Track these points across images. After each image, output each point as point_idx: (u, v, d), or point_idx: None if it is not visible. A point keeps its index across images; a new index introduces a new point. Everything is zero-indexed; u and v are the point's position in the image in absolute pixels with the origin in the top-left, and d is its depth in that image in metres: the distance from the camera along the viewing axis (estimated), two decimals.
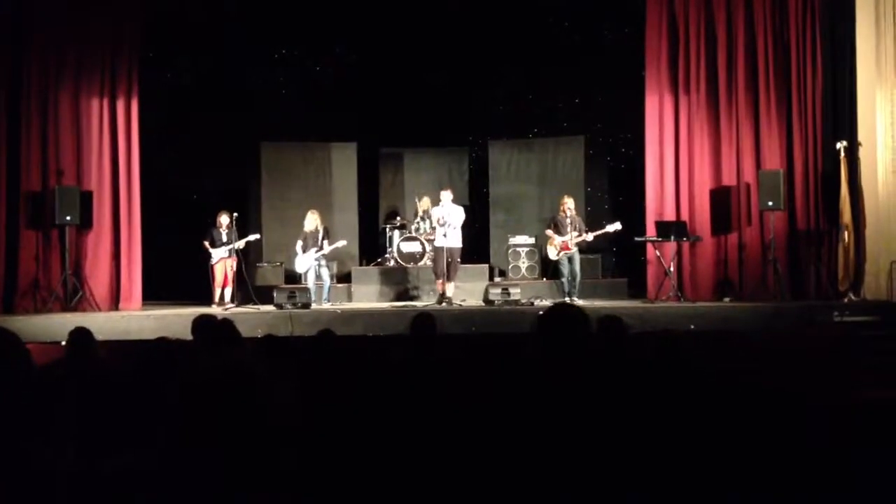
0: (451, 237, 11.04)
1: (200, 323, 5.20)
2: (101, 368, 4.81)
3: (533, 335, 2.74)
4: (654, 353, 4.50)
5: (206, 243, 11.51)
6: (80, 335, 5.11)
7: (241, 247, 11.59)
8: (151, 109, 12.02)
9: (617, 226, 11.27)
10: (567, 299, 10.86)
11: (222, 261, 11.47)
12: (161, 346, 4.07)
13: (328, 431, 3.33)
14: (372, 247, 13.89)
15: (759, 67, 11.32)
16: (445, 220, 11.01)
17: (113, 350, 7.61)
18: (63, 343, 5.32)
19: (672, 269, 11.04)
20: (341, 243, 11.82)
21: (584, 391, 2.60)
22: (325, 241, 11.57)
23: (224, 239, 11.52)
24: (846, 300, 10.34)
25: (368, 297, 12.38)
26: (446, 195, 11.23)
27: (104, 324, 9.93)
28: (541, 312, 3.07)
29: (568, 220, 11.26)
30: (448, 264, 11.00)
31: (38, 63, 11.36)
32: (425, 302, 11.64)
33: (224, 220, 11.58)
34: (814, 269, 11.03)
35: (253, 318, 10.00)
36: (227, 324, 4.99)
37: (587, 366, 2.71)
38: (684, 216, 11.42)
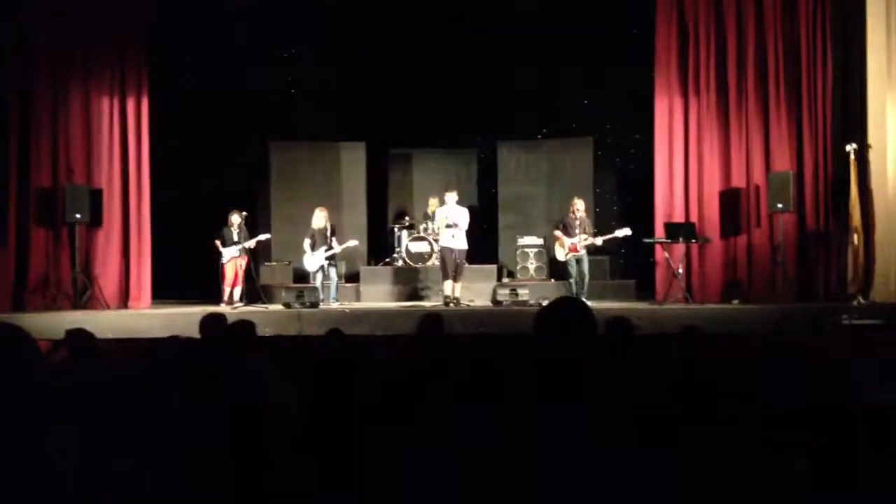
0: (459, 238, 11.04)
1: (210, 322, 5.21)
2: (101, 368, 4.80)
3: (536, 334, 2.73)
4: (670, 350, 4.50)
5: (218, 242, 11.55)
6: (78, 336, 5.08)
7: (251, 246, 11.63)
8: (161, 108, 12.06)
9: (626, 231, 11.21)
10: (570, 296, 10.84)
11: (233, 260, 11.50)
12: (168, 346, 4.09)
13: (334, 431, 3.34)
14: (380, 247, 13.91)
15: (768, 69, 11.29)
16: (454, 221, 11.02)
17: (121, 348, 7.64)
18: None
19: (680, 270, 11.02)
20: (353, 243, 11.83)
21: (589, 394, 2.59)
22: (335, 240, 11.59)
23: (235, 238, 11.55)
24: (855, 303, 10.29)
25: (377, 296, 12.40)
26: (451, 196, 11.23)
27: (113, 322, 9.99)
28: (543, 304, 3.04)
29: (577, 222, 11.24)
30: (456, 265, 11.02)
31: (49, 62, 11.42)
32: (433, 302, 11.65)
33: (235, 219, 11.61)
34: (823, 272, 11.00)
35: (261, 317, 10.02)
36: (247, 325, 4.98)
37: (592, 367, 2.70)
38: (693, 218, 11.40)
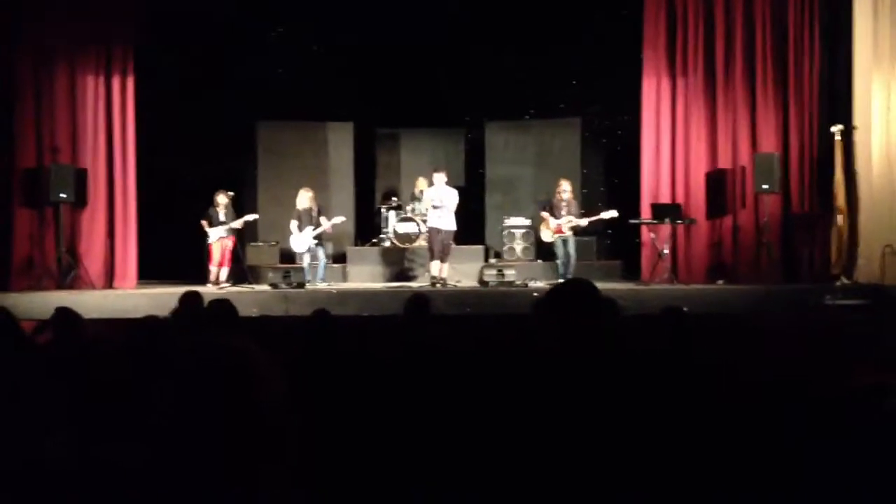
0: (447, 219, 11.03)
1: (189, 300, 5.18)
2: (87, 348, 4.78)
3: (542, 317, 2.72)
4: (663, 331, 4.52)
5: (204, 223, 11.51)
6: (65, 315, 5.04)
7: (238, 226, 11.60)
8: (147, 88, 11.96)
9: (612, 213, 11.26)
10: (561, 281, 10.88)
11: (220, 240, 11.47)
12: (149, 326, 4.07)
13: (322, 416, 3.34)
14: (368, 227, 13.89)
15: (756, 50, 11.32)
16: (441, 202, 11.00)
17: (106, 328, 7.62)
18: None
19: (666, 251, 11.07)
20: (340, 219, 11.80)
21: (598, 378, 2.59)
22: (322, 219, 11.56)
23: (222, 218, 11.51)
24: (839, 284, 10.38)
25: (363, 277, 12.39)
26: (439, 177, 11.20)
27: (99, 302, 9.95)
28: (534, 286, 3.04)
29: (564, 204, 11.27)
30: (443, 246, 11.02)
31: (34, 40, 11.31)
32: (420, 283, 11.66)
33: (222, 199, 11.57)
34: (807, 253, 11.09)
35: (247, 298, 10.02)
36: (225, 304, 4.98)
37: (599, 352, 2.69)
38: (679, 199, 11.45)
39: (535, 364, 2.70)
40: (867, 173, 10.67)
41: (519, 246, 12.93)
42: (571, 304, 2.70)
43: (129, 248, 11.66)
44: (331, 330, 5.14)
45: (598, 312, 2.72)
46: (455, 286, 11.19)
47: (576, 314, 2.67)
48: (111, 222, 11.63)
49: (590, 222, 11.37)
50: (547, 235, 11.40)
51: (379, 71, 13.44)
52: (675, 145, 11.57)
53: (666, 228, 11.16)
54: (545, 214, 11.42)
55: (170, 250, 11.96)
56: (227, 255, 11.51)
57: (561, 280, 10.85)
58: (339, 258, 12.91)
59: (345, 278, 12.37)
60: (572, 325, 2.66)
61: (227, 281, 11.44)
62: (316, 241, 11.53)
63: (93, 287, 11.27)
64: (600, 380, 2.58)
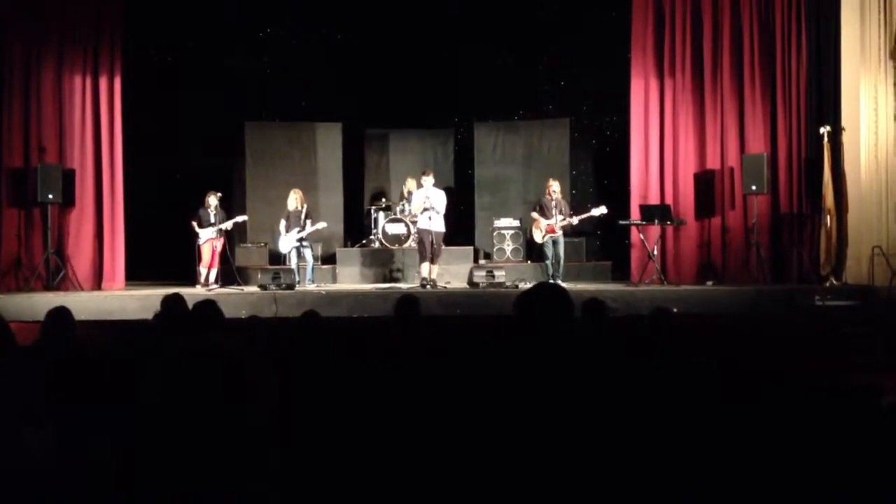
0: (436, 221, 11.02)
1: (170, 303, 5.16)
2: (78, 348, 4.76)
3: (515, 316, 2.73)
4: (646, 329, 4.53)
5: (194, 224, 11.46)
6: (58, 315, 5.01)
7: (228, 227, 11.56)
8: (135, 88, 11.91)
9: (602, 210, 11.29)
10: (551, 282, 10.89)
11: (209, 241, 11.43)
12: (141, 327, 4.06)
13: (311, 417, 3.33)
14: (357, 228, 13.87)
15: (744, 51, 11.35)
16: (431, 203, 10.98)
17: (95, 329, 7.58)
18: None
19: (656, 252, 11.08)
20: (321, 225, 11.78)
21: (569, 373, 2.59)
22: (308, 222, 11.56)
23: (212, 220, 11.47)
24: (827, 284, 10.41)
25: (353, 278, 12.37)
26: (428, 180, 11.18)
27: (87, 303, 9.88)
28: (519, 286, 3.06)
29: (553, 204, 11.26)
30: (433, 247, 11.00)
31: (21, 40, 11.24)
32: (410, 284, 11.64)
33: (212, 200, 11.53)
34: (796, 254, 11.11)
35: (236, 299, 9.98)
36: (211, 305, 4.96)
37: (572, 348, 2.70)
38: (668, 200, 11.47)
39: (513, 365, 2.71)
40: (855, 174, 10.70)
41: (509, 247, 12.93)
42: (540, 304, 2.71)
43: (117, 249, 11.60)
44: (320, 331, 5.13)
45: (566, 313, 2.72)
46: (445, 287, 11.17)
47: (545, 314, 2.68)
48: (99, 223, 11.57)
49: (580, 220, 11.37)
50: (538, 236, 11.39)
51: (368, 71, 13.42)
52: (663, 146, 11.59)
53: (655, 229, 11.18)
54: (536, 215, 11.41)
55: (158, 251, 11.91)
56: (217, 256, 11.46)
57: (550, 281, 10.87)
58: (329, 259, 12.89)
59: (334, 279, 12.35)
60: (543, 325, 2.67)
61: (216, 282, 11.40)
62: (300, 243, 11.52)
63: (80, 288, 11.21)
64: (575, 378, 2.58)
